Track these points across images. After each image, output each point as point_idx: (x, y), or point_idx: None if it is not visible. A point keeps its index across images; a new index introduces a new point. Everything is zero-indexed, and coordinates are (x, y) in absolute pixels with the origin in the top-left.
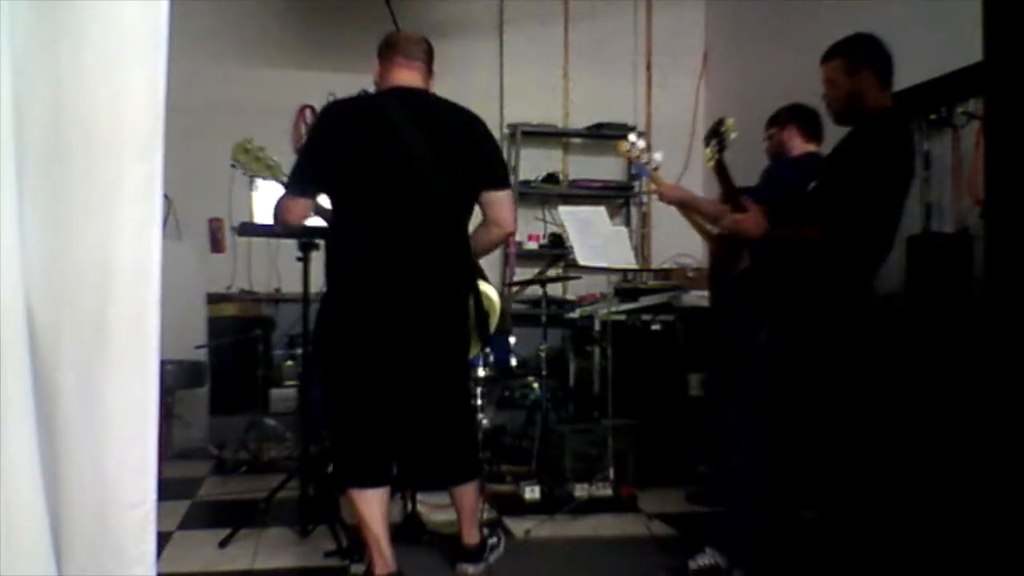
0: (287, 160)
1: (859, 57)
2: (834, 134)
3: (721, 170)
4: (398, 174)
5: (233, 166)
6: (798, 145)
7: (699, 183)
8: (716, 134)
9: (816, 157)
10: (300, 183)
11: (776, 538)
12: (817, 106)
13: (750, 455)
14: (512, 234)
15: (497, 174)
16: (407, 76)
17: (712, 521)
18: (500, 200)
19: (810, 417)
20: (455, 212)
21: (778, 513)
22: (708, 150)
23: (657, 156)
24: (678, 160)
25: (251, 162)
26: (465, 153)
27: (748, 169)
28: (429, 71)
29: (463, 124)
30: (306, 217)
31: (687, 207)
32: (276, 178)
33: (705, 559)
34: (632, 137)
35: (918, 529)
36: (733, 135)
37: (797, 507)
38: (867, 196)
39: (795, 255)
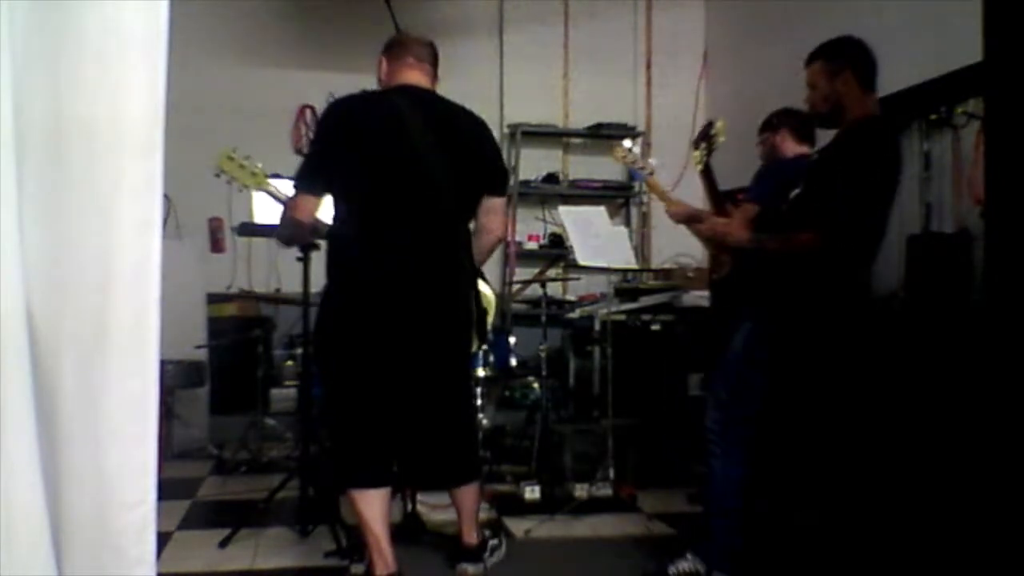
0: (285, 161)
1: (840, 59)
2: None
3: (708, 174)
4: (407, 172)
5: (218, 176)
6: (791, 147)
7: (698, 183)
8: (706, 137)
9: (808, 158)
10: (310, 180)
11: (760, 544)
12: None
13: (725, 459)
14: (502, 239)
15: (497, 179)
16: (416, 76)
17: (694, 526)
18: (495, 207)
19: (792, 420)
20: (461, 212)
21: (763, 519)
22: (697, 153)
23: (653, 161)
24: (678, 160)
25: (236, 171)
26: (472, 155)
27: (746, 170)
28: (435, 74)
29: (471, 127)
30: (314, 216)
31: (691, 223)
32: (260, 187)
33: (685, 564)
34: (627, 143)
35: (916, 530)
36: (722, 138)
37: (790, 511)
38: (852, 203)
39: (783, 261)
